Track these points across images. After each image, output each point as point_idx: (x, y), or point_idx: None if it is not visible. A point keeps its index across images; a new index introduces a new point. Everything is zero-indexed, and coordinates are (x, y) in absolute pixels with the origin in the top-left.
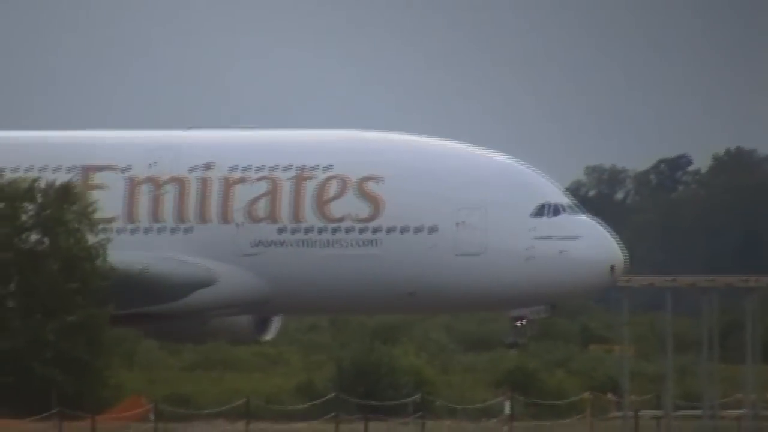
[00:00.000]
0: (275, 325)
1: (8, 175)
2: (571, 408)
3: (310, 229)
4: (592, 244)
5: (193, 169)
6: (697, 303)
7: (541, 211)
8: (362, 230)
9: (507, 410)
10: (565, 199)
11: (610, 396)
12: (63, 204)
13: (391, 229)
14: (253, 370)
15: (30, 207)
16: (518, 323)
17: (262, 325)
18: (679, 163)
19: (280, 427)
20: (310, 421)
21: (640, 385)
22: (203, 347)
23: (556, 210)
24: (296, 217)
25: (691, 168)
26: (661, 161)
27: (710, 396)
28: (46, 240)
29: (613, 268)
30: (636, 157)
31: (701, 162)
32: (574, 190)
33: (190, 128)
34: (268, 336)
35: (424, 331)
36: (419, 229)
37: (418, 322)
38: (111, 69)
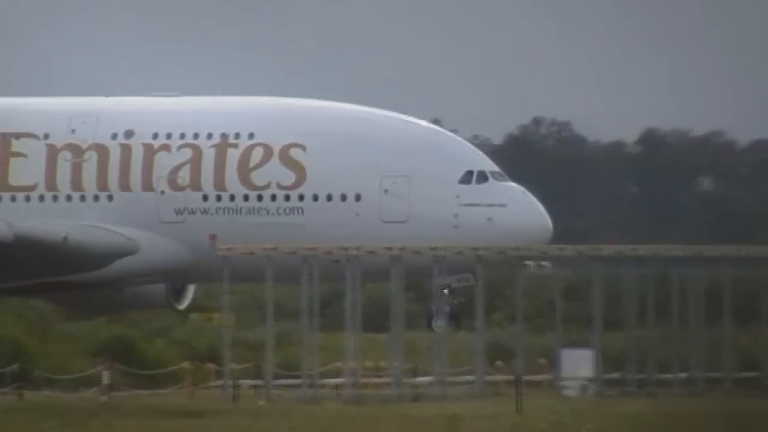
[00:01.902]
0: (190, 293)
1: None
2: (171, 377)
3: (233, 197)
4: (519, 211)
5: (114, 137)
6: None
7: (468, 178)
8: (286, 198)
9: (106, 380)
10: (491, 166)
11: (210, 365)
12: None
13: (315, 197)
14: None
15: None
16: (443, 291)
17: (177, 293)
18: None
19: None
20: None
21: (240, 353)
22: None
23: (482, 177)
24: (219, 185)
25: None
26: None
27: (309, 364)
28: None
29: (212, 237)
30: None
31: None
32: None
33: (108, 95)
34: (184, 304)
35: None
36: (343, 197)
37: None
38: (21, 36)
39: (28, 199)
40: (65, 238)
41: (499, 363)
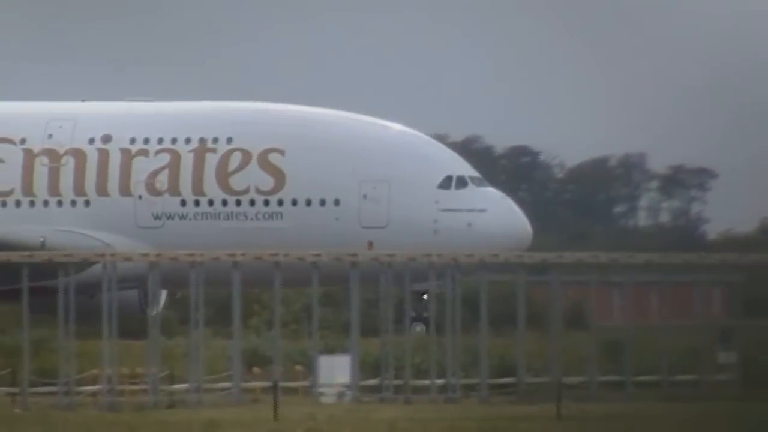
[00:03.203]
0: (162, 299)
1: None
2: None
3: (212, 202)
4: (499, 216)
5: (91, 141)
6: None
7: (447, 183)
8: (265, 203)
9: None
10: (470, 171)
11: None
12: None
13: (294, 202)
14: None
15: None
16: (423, 297)
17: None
18: None
19: None
20: None
21: None
22: None
23: (461, 182)
24: (198, 189)
25: None
26: None
27: (66, 371)
28: None
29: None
30: None
31: None
32: None
33: (84, 100)
34: (155, 311)
35: None
36: (323, 202)
37: None
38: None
39: (4, 204)
40: (42, 244)
41: (256, 369)
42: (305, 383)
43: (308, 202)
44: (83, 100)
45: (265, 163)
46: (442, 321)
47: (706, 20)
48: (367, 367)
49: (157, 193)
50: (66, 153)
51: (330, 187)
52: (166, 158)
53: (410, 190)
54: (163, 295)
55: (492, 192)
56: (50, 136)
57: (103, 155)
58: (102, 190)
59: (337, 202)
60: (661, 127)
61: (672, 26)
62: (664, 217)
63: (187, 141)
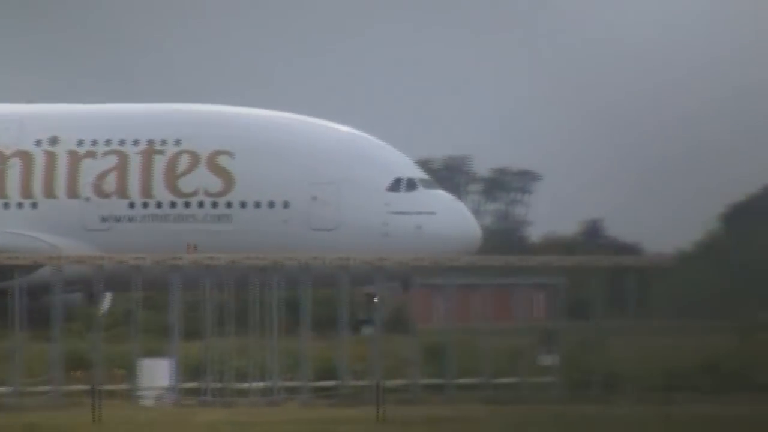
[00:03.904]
0: (107, 301)
1: None
2: None
3: (160, 204)
4: (449, 219)
5: (38, 143)
6: None
7: (396, 185)
8: (214, 205)
9: None
10: (419, 173)
11: None
12: None
13: (243, 204)
14: None
15: None
16: (372, 300)
17: (93, 300)
18: None
19: None
20: None
21: None
22: None
23: (411, 184)
24: (146, 191)
25: None
26: None
27: None
28: None
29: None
30: None
31: None
32: None
33: (30, 101)
34: (100, 312)
35: None
36: (272, 204)
37: None
38: None
39: None
40: None
41: (77, 373)
42: (127, 386)
43: (257, 205)
44: (29, 102)
45: (213, 165)
46: (264, 324)
47: (534, 23)
48: (189, 370)
49: (104, 195)
50: (12, 155)
51: (279, 190)
52: (114, 160)
53: (360, 193)
54: (109, 297)
55: (442, 194)
56: None
57: (50, 157)
58: (49, 192)
59: (286, 205)
60: (486, 130)
61: (500, 28)
62: (487, 220)
63: (135, 143)
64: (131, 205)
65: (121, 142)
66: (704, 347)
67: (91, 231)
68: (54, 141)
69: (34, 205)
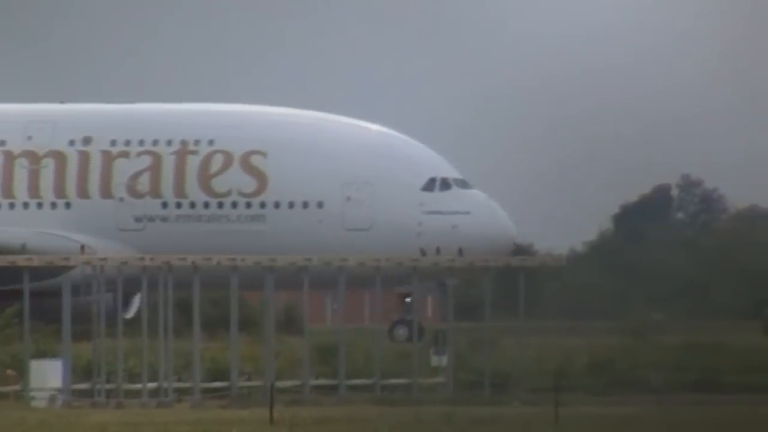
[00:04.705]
0: (136, 303)
1: None
2: None
3: (193, 205)
4: (483, 219)
5: (71, 143)
6: None
7: (431, 185)
8: (247, 205)
9: None
10: (454, 173)
11: None
12: None
13: (276, 204)
14: None
15: None
16: (406, 300)
17: (124, 303)
18: None
19: None
20: None
21: None
22: None
23: (445, 184)
24: (180, 191)
25: None
26: None
27: None
28: None
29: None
30: None
31: None
32: None
33: (63, 102)
34: (130, 314)
35: None
36: (305, 205)
37: None
38: None
39: None
40: (23, 246)
41: None
42: (17, 388)
43: (291, 205)
44: (62, 102)
45: (247, 165)
46: (155, 325)
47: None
48: (80, 371)
49: (138, 195)
50: (46, 155)
51: (313, 190)
52: (147, 160)
53: (394, 192)
54: (138, 297)
55: (476, 194)
56: (29, 138)
57: (84, 157)
58: (83, 193)
59: (320, 205)
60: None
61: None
62: None
63: (169, 143)
64: (164, 205)
65: (155, 143)
66: (595, 348)
67: (125, 231)
68: (87, 141)
69: (67, 206)
